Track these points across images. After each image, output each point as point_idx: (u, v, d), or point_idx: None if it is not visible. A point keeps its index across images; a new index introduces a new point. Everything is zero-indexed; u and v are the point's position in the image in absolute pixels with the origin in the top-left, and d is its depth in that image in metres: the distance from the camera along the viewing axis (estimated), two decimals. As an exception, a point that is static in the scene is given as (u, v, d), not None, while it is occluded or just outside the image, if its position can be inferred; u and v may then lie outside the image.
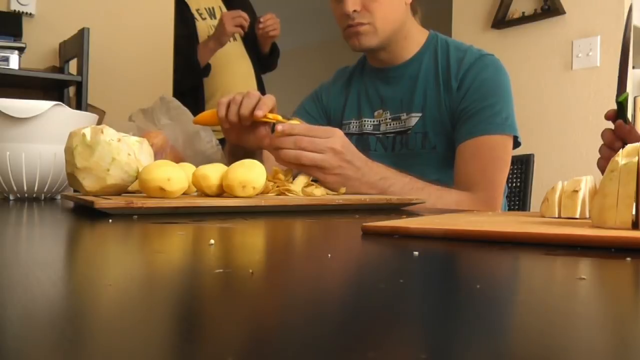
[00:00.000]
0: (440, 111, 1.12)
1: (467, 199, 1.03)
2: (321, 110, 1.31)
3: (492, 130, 1.06)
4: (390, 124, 1.18)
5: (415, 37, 1.18)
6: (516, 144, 1.11)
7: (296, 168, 0.89)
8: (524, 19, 2.59)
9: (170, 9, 2.21)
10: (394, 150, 1.17)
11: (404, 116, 1.16)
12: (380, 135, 1.20)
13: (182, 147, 1.20)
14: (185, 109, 1.30)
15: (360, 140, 1.20)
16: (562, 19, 2.48)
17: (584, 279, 0.28)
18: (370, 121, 1.22)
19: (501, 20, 2.66)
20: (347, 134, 1.12)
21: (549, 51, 2.53)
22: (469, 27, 2.82)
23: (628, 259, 0.34)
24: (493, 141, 1.07)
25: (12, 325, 0.19)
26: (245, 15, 1.96)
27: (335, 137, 0.91)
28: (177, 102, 1.29)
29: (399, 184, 0.96)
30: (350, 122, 1.25)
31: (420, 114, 1.14)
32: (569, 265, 0.34)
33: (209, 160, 1.16)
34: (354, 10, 1.09)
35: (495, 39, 2.69)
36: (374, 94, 1.22)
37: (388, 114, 1.19)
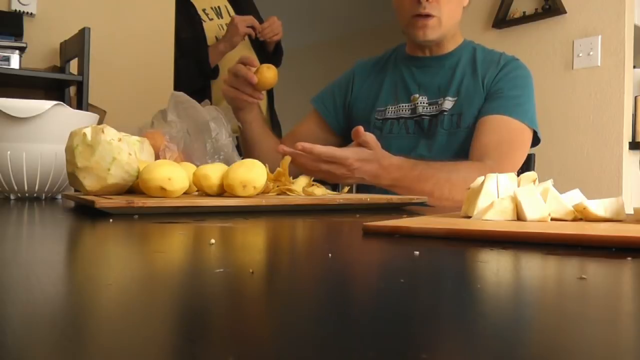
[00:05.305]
0: (476, 94, 1.19)
1: (476, 170, 1.03)
2: (347, 91, 1.37)
3: (512, 114, 1.14)
4: (426, 108, 1.24)
5: (457, 37, 1.29)
6: (536, 139, 1.18)
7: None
8: (525, 19, 2.58)
9: (171, 9, 2.21)
10: (430, 130, 1.22)
11: (440, 100, 1.23)
12: (417, 118, 1.25)
13: (192, 140, 1.19)
14: (194, 102, 1.28)
15: (397, 125, 1.25)
16: (563, 19, 2.48)
17: (584, 278, 0.28)
18: (407, 106, 1.27)
19: (502, 20, 2.66)
20: (383, 119, 1.24)
21: (550, 51, 2.52)
22: (469, 27, 2.82)
23: (629, 258, 0.34)
24: (512, 123, 1.14)
25: (12, 324, 0.19)
26: (255, 20, 1.98)
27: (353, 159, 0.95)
28: (184, 96, 1.27)
29: (406, 181, 1.01)
30: (387, 108, 1.29)
31: (455, 98, 1.21)
32: (570, 265, 0.34)
33: (219, 151, 1.15)
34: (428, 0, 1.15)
35: (496, 38, 2.68)
36: (411, 80, 1.28)
37: (425, 99, 1.25)
